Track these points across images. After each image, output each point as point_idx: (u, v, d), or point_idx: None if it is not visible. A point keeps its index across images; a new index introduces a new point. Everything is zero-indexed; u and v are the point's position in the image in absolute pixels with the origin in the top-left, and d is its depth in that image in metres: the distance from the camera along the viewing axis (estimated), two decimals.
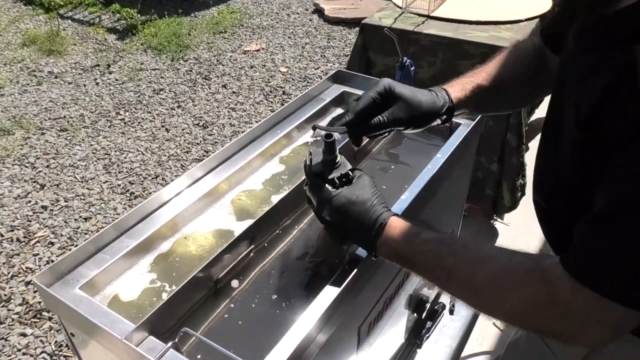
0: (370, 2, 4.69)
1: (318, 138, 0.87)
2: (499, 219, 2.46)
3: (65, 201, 2.67)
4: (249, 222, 0.97)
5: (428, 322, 1.37)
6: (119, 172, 2.88)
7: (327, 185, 0.83)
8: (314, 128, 0.88)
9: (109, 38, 4.41)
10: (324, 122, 1.37)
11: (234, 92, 3.62)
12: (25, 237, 2.45)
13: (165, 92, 3.64)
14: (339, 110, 1.43)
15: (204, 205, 1.08)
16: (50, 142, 3.11)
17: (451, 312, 1.54)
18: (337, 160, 0.86)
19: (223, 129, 3.24)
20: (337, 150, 0.86)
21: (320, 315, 0.78)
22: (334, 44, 4.24)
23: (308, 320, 0.77)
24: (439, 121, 0.93)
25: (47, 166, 2.91)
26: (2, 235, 2.44)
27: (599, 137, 0.64)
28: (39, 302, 2.12)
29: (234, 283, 0.93)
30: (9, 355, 1.94)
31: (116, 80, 3.78)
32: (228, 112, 3.41)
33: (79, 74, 3.86)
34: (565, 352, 0.89)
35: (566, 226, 0.66)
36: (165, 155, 3.02)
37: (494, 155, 2.14)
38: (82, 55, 4.12)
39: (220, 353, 0.73)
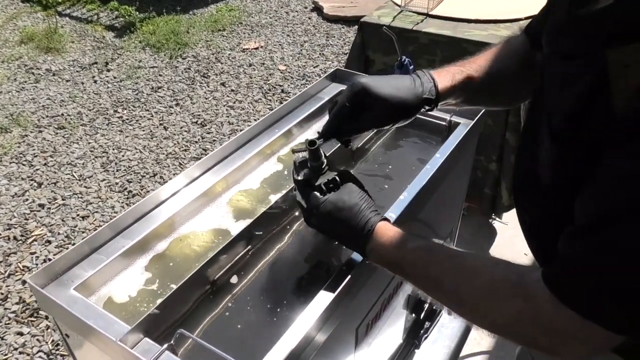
0: (369, 0, 4.68)
1: (301, 159, 0.86)
2: (497, 218, 2.46)
3: (63, 199, 2.66)
4: (246, 222, 0.97)
5: (426, 323, 1.37)
6: (117, 171, 2.87)
7: (314, 192, 0.82)
8: (293, 152, 0.87)
9: (107, 36, 4.40)
10: (321, 122, 1.37)
11: (232, 90, 3.60)
12: (22, 235, 2.44)
13: (163, 90, 3.63)
14: None
15: (201, 205, 1.07)
16: (48, 140, 3.10)
17: (449, 312, 1.53)
18: (323, 167, 0.84)
19: (221, 127, 3.23)
20: (324, 156, 0.84)
21: (318, 316, 0.77)
22: (332, 42, 4.23)
23: (305, 322, 0.77)
24: (422, 110, 0.88)
25: (45, 164, 2.90)
26: None
27: (571, 148, 0.61)
28: (36, 301, 2.12)
29: (233, 279, 0.92)
30: (6, 355, 1.93)
31: (114, 78, 3.76)
32: (226, 110, 3.40)
33: (77, 71, 3.85)
34: None
35: (550, 241, 0.63)
36: (164, 154, 3.01)
37: (492, 154, 2.14)
38: (80, 53, 4.10)
39: (217, 355, 0.72)
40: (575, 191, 0.59)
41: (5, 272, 2.25)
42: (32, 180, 2.79)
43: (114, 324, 0.78)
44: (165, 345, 0.74)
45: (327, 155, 0.87)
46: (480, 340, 2.01)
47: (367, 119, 0.85)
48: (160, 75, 3.80)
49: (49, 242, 2.41)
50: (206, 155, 1.14)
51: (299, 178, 0.84)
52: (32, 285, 0.83)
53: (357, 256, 0.86)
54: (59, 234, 2.45)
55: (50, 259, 2.32)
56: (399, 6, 2.20)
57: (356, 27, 2.23)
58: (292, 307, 0.88)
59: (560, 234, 0.61)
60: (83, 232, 2.47)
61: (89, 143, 3.09)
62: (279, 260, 0.98)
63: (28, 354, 1.94)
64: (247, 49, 4.14)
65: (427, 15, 2.12)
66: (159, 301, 0.81)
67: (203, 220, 1.05)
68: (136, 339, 0.76)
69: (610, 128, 0.55)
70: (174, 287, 0.83)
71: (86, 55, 4.07)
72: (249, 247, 0.97)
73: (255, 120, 3.22)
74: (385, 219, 0.80)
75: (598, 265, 0.55)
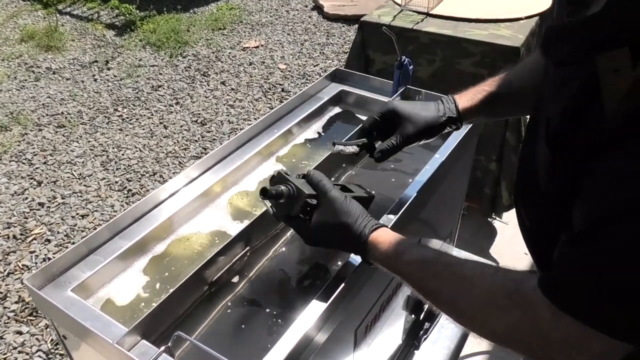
0: None
1: (340, 152, 0.94)
2: (497, 218, 2.45)
3: (62, 198, 2.66)
4: (245, 223, 0.96)
5: (426, 323, 1.36)
6: (117, 169, 2.87)
7: (298, 221, 0.82)
8: (334, 144, 0.95)
9: (108, 34, 4.39)
10: (321, 122, 1.37)
11: (232, 89, 3.60)
12: (21, 234, 2.44)
13: (163, 88, 3.62)
14: (337, 109, 1.42)
15: (199, 206, 1.07)
16: (48, 139, 3.10)
17: None
18: (290, 195, 0.81)
19: (221, 126, 3.22)
20: (283, 187, 0.82)
21: (317, 317, 0.77)
22: (333, 41, 4.22)
23: (304, 323, 0.76)
24: (449, 129, 0.98)
25: (44, 163, 2.90)
26: None
27: (566, 154, 0.61)
28: None
29: (232, 280, 0.92)
30: (5, 354, 1.93)
31: (114, 76, 3.76)
32: (226, 109, 3.39)
33: (77, 70, 3.84)
34: None
35: (549, 246, 0.63)
36: (163, 153, 3.00)
37: (492, 154, 2.13)
38: (81, 51, 4.10)
39: (214, 357, 0.72)
40: (572, 198, 0.59)
41: (5, 271, 2.24)
42: (31, 178, 2.78)
43: (111, 326, 0.78)
44: (163, 348, 0.74)
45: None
46: (481, 340, 2.00)
47: (395, 134, 0.95)
48: (160, 73, 3.79)
49: (49, 240, 2.41)
50: (206, 154, 1.14)
51: (276, 219, 0.86)
52: (29, 286, 0.83)
53: (355, 257, 0.86)
54: (58, 232, 2.44)
55: (49, 258, 2.31)
56: (399, 5, 2.19)
57: (356, 26, 2.22)
58: (292, 308, 0.88)
59: (557, 239, 0.61)
60: (82, 231, 2.47)
61: (89, 142, 3.08)
62: (278, 261, 0.98)
63: (27, 353, 1.94)
64: (247, 47, 4.14)
65: (427, 14, 2.11)
66: (155, 303, 0.81)
67: (202, 221, 1.04)
68: (133, 342, 0.76)
69: (602, 132, 0.55)
70: (172, 289, 0.83)
71: (86, 53, 4.07)
72: (247, 248, 0.96)
73: (255, 119, 3.22)
74: (380, 226, 0.80)
75: (597, 265, 0.55)
